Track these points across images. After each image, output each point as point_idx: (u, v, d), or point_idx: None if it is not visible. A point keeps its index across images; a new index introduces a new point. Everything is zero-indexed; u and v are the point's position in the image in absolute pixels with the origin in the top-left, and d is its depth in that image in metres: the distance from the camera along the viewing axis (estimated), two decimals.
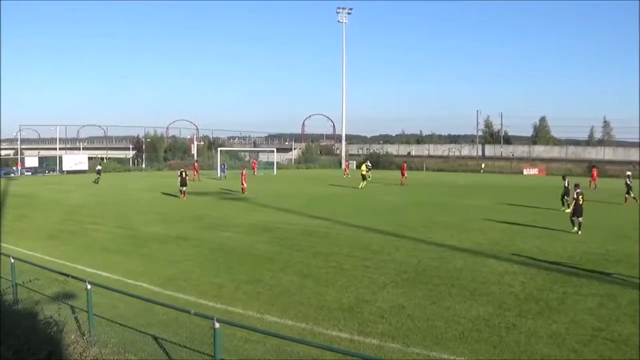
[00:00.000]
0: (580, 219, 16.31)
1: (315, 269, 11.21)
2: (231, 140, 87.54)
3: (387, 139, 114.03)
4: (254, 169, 51.95)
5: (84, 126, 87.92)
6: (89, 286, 6.72)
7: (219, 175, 44.79)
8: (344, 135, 78.07)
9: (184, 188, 26.68)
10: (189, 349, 6.50)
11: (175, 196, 27.08)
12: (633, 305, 8.55)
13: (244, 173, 30.23)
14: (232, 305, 8.67)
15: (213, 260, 12.26)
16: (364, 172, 35.22)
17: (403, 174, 38.35)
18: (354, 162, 73.08)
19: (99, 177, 38.68)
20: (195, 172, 41.24)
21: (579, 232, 16.04)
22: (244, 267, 11.45)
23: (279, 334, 6.14)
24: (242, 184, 29.45)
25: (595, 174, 37.30)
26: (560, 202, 22.93)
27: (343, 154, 75.44)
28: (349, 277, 10.53)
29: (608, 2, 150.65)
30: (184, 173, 27.08)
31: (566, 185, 22.74)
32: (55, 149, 60.50)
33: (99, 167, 40.70)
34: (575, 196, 16.75)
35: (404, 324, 7.76)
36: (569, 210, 21.23)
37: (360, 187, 33.55)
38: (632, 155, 64.79)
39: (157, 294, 9.22)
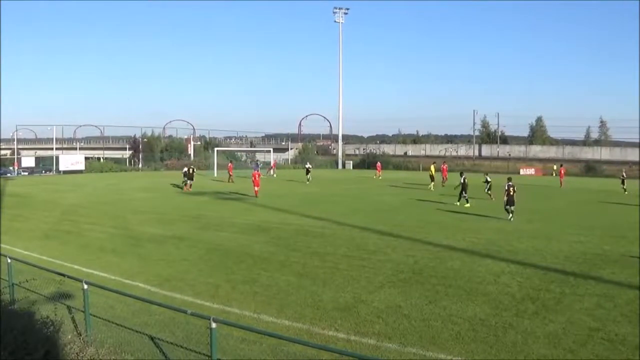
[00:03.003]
0: (512, 207, 18.96)
1: (312, 269, 11.20)
2: (228, 140, 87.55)
3: (383, 139, 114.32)
4: (273, 167, 52.43)
5: (80, 126, 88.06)
6: (85, 286, 6.71)
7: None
8: (340, 135, 78.10)
9: (190, 181, 32.41)
10: (185, 349, 6.49)
11: (176, 193, 31.11)
12: (630, 305, 8.59)
13: (256, 176, 28.26)
14: (229, 305, 8.66)
15: (209, 260, 12.25)
16: (432, 173, 34.24)
17: (445, 176, 37.05)
18: (351, 162, 73.36)
19: (187, 180, 33.12)
20: (229, 173, 40.04)
21: (512, 219, 18.51)
22: (241, 267, 11.44)
23: (275, 334, 6.15)
24: (255, 187, 27.79)
25: (562, 172, 39.34)
26: (458, 197, 24.09)
27: (340, 153, 75.49)
28: (345, 277, 10.54)
29: (607, 2, 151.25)
30: (190, 169, 33.11)
31: (462, 181, 23.82)
32: (52, 149, 60.43)
33: (186, 169, 34.22)
34: (507, 188, 19.04)
35: (400, 324, 7.77)
36: (468, 205, 22.93)
37: (429, 188, 32.99)
38: (629, 155, 65.07)
39: (153, 294, 9.20)
